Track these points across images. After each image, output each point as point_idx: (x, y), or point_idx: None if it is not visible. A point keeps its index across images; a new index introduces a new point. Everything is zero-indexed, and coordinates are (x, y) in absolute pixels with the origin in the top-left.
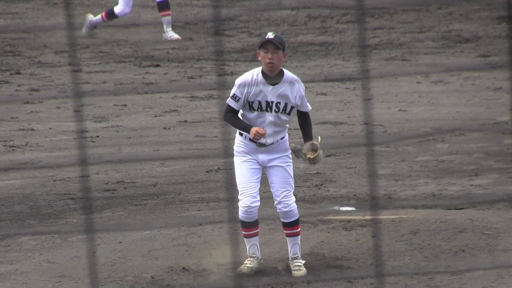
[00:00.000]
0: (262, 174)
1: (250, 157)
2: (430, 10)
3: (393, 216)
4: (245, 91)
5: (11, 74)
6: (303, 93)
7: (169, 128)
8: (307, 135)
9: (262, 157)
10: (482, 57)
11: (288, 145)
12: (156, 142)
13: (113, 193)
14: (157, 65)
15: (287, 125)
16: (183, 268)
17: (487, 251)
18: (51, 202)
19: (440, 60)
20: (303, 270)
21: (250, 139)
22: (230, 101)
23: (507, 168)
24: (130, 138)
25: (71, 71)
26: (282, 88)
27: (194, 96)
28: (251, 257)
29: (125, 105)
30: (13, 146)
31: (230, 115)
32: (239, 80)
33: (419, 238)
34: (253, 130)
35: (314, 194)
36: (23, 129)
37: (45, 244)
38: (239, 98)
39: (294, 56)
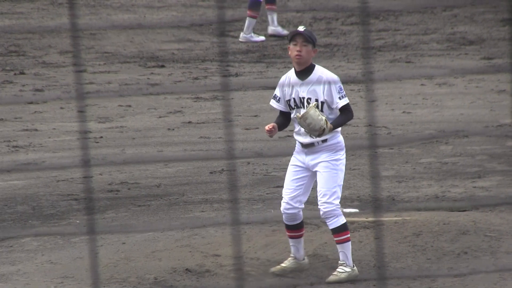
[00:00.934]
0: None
1: (298, 161)
2: (435, 12)
3: (396, 218)
4: (282, 90)
5: (15, 74)
6: (333, 89)
7: (173, 129)
8: (337, 121)
9: (308, 159)
10: (486, 60)
11: (335, 148)
12: (160, 143)
13: (116, 194)
14: (162, 66)
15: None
16: (186, 269)
17: (489, 253)
18: (54, 203)
19: (445, 62)
20: (338, 277)
21: (298, 140)
22: (271, 101)
23: (510, 170)
24: (134, 139)
25: (75, 71)
26: (311, 83)
27: (198, 97)
28: (290, 257)
29: (129, 106)
30: (16, 147)
31: (277, 116)
32: (279, 81)
33: (422, 240)
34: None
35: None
36: (26, 130)
37: (48, 244)
38: (279, 97)
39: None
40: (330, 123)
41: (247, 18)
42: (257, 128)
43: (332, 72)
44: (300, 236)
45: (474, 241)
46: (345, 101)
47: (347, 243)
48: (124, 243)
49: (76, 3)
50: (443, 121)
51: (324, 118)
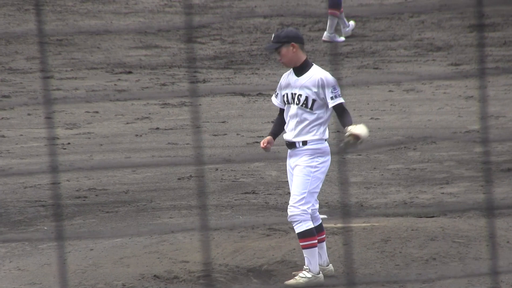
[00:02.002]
0: None
1: (288, 164)
2: (402, 19)
3: (364, 224)
4: (280, 86)
5: None
6: (326, 88)
7: (141, 135)
8: (344, 123)
9: (291, 161)
10: (454, 66)
11: (315, 154)
12: (128, 149)
13: (84, 200)
14: (129, 72)
15: (313, 129)
16: (155, 275)
17: (458, 259)
18: (21, 209)
19: (412, 68)
20: (297, 281)
21: (284, 138)
22: (272, 97)
23: (478, 176)
24: (101, 145)
25: (42, 77)
26: (305, 80)
27: (166, 103)
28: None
29: (97, 112)
30: None
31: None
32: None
33: (391, 246)
34: None
35: (286, 202)
36: None
37: (16, 251)
38: (277, 93)
39: (266, 64)
40: (344, 122)
41: (329, 17)
42: (225, 134)
43: None
44: (320, 241)
45: (442, 247)
46: (337, 100)
47: (311, 249)
48: (92, 249)
49: (42, 9)
50: (411, 127)
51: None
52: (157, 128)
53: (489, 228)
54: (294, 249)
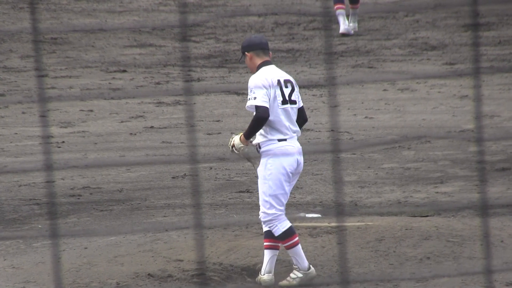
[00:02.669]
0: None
1: None
2: (397, 18)
3: (358, 223)
4: None
5: None
6: (248, 91)
7: (135, 134)
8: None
9: None
10: (448, 65)
11: (267, 156)
12: (122, 148)
13: (78, 198)
14: (124, 71)
15: (262, 130)
16: (149, 274)
17: (452, 259)
18: (16, 208)
19: (407, 67)
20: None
21: None
22: None
23: (472, 175)
24: (96, 143)
25: (37, 76)
26: None
27: (160, 102)
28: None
29: (91, 111)
30: None
31: None
32: None
33: (385, 245)
34: None
35: None
36: None
37: (10, 249)
38: None
39: None
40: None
41: (350, 10)
42: (219, 133)
43: (295, 76)
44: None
45: (436, 246)
46: (250, 103)
47: (294, 248)
48: (86, 248)
49: (37, 8)
50: (405, 126)
51: (236, 135)
52: (152, 127)
53: (483, 227)
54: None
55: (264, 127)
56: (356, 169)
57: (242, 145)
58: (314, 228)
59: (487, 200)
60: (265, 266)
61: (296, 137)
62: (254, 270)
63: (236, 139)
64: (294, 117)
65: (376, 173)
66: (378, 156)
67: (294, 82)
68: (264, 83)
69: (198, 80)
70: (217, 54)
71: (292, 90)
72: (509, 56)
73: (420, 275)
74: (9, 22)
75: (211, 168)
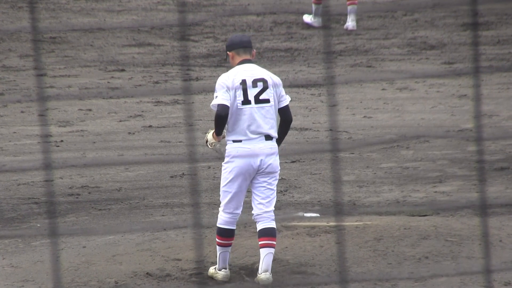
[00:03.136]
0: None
1: None
2: (396, 17)
3: (357, 223)
4: None
5: None
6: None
7: (133, 133)
8: None
9: None
10: (447, 64)
11: (226, 156)
12: (120, 147)
13: (77, 197)
14: (122, 70)
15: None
16: (147, 273)
17: (450, 258)
18: (14, 206)
19: (406, 66)
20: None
21: None
22: None
23: (471, 175)
24: (94, 142)
25: (35, 75)
26: None
27: (159, 101)
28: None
29: (90, 110)
30: None
31: None
32: None
33: (383, 244)
34: None
35: (278, 200)
36: None
37: (9, 248)
38: None
39: (259, 62)
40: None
41: (348, 7)
42: None
43: (293, 76)
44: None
45: (435, 245)
46: (212, 102)
47: (218, 247)
48: (84, 246)
49: (36, 7)
50: (404, 125)
51: (210, 131)
52: (150, 126)
53: (482, 227)
54: (286, 247)
55: (227, 126)
56: (354, 169)
57: (214, 141)
58: (313, 227)
59: (486, 199)
60: (260, 265)
61: (260, 139)
62: (252, 270)
63: (210, 135)
64: (266, 117)
65: (375, 173)
66: (377, 155)
67: (270, 80)
68: (225, 83)
69: (197, 79)
70: (216, 53)
71: (264, 89)
72: (508, 56)
73: (419, 275)
74: (8, 21)
75: (209, 167)
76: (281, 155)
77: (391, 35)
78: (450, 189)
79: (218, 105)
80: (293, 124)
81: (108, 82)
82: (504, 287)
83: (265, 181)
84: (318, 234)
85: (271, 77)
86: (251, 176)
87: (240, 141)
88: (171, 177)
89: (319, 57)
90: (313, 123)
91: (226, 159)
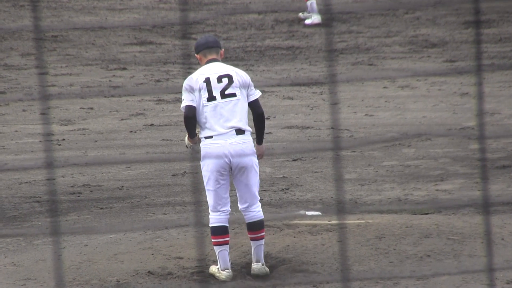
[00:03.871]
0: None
1: None
2: (397, 15)
3: (359, 221)
4: None
5: None
6: None
7: (135, 132)
8: None
9: None
10: (449, 62)
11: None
12: (122, 145)
13: (79, 196)
14: (124, 68)
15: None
16: (149, 271)
17: (452, 256)
18: (16, 205)
19: (407, 65)
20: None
21: None
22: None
23: (472, 173)
24: (96, 141)
25: (37, 73)
26: None
27: (160, 99)
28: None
29: (91, 108)
30: None
31: None
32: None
33: (385, 243)
34: None
35: (280, 198)
36: None
37: (10, 247)
38: None
39: (261, 60)
40: None
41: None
42: None
43: (295, 74)
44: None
45: (436, 244)
46: (181, 105)
47: (216, 247)
48: (86, 245)
49: (38, 5)
50: (405, 124)
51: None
52: (152, 124)
53: (484, 225)
54: (288, 245)
55: (198, 125)
56: (356, 167)
57: (190, 143)
58: (314, 225)
59: (488, 197)
60: (253, 257)
61: (231, 133)
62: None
63: (186, 139)
64: (234, 111)
65: (376, 171)
66: (378, 153)
67: (236, 75)
68: (189, 84)
69: None
70: None
71: (229, 84)
72: (510, 54)
73: (421, 273)
74: (10, 20)
75: None
76: (283, 154)
77: (393, 33)
78: (452, 187)
79: (185, 107)
80: (295, 122)
81: (110, 81)
82: (506, 285)
83: (242, 177)
84: (320, 233)
85: (237, 72)
86: (226, 171)
87: (211, 137)
88: (173, 175)
89: (321, 55)
90: (314, 121)
91: (202, 158)
